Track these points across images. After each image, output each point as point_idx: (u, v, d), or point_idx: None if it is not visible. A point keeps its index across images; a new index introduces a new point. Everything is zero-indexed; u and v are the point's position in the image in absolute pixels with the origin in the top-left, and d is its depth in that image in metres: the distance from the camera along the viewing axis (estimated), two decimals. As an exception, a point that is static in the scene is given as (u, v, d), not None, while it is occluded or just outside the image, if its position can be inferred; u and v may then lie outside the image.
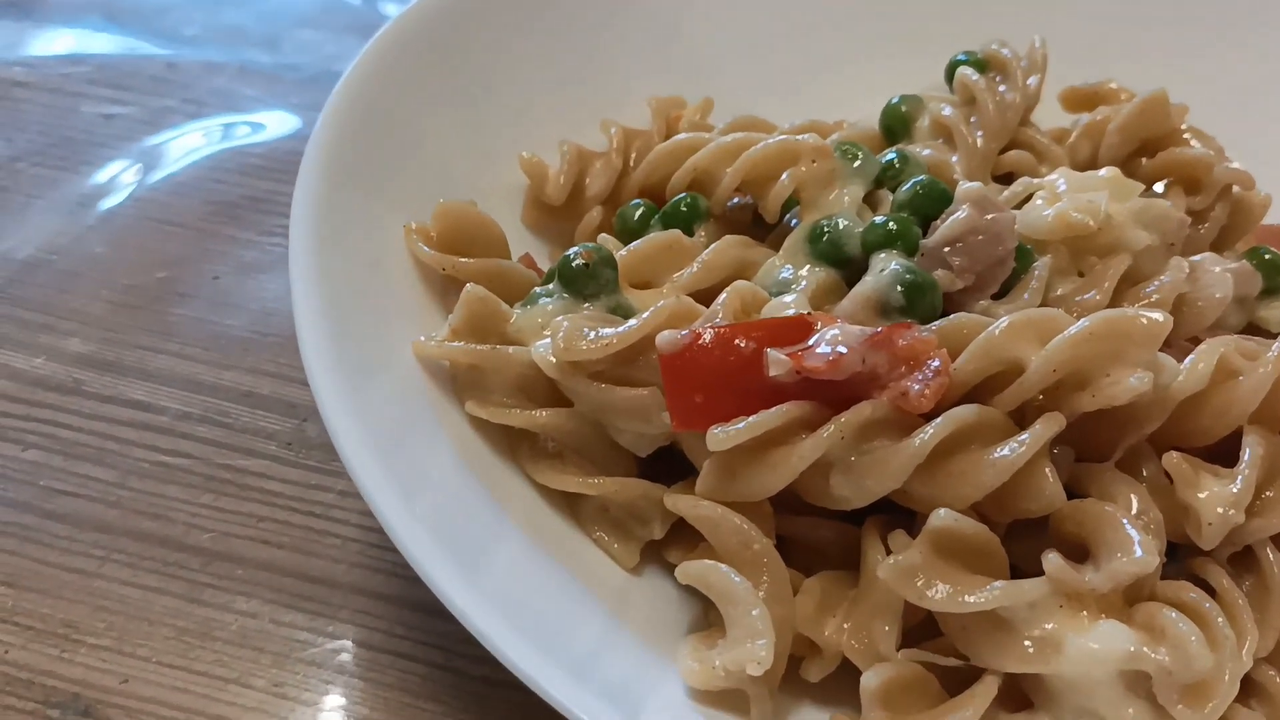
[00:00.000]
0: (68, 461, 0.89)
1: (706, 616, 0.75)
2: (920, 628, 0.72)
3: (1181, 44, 1.13)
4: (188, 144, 1.14)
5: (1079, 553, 0.69)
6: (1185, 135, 0.98)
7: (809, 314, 0.75)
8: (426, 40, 0.94)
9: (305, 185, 0.81)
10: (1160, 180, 0.96)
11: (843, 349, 0.70)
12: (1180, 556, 0.74)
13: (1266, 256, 0.90)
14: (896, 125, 0.98)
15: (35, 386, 0.94)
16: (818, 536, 0.76)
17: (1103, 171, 0.88)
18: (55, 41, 1.25)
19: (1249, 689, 0.71)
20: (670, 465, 0.78)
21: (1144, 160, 0.98)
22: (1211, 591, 0.71)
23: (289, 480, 0.88)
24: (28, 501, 0.86)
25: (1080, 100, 1.04)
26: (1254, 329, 0.89)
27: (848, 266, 0.83)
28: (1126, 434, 0.73)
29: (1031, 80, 1.01)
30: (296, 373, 0.92)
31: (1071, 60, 1.06)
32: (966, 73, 0.98)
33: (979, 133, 0.96)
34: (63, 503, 0.86)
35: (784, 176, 0.86)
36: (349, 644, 0.80)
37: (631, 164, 0.98)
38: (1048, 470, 0.69)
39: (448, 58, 0.95)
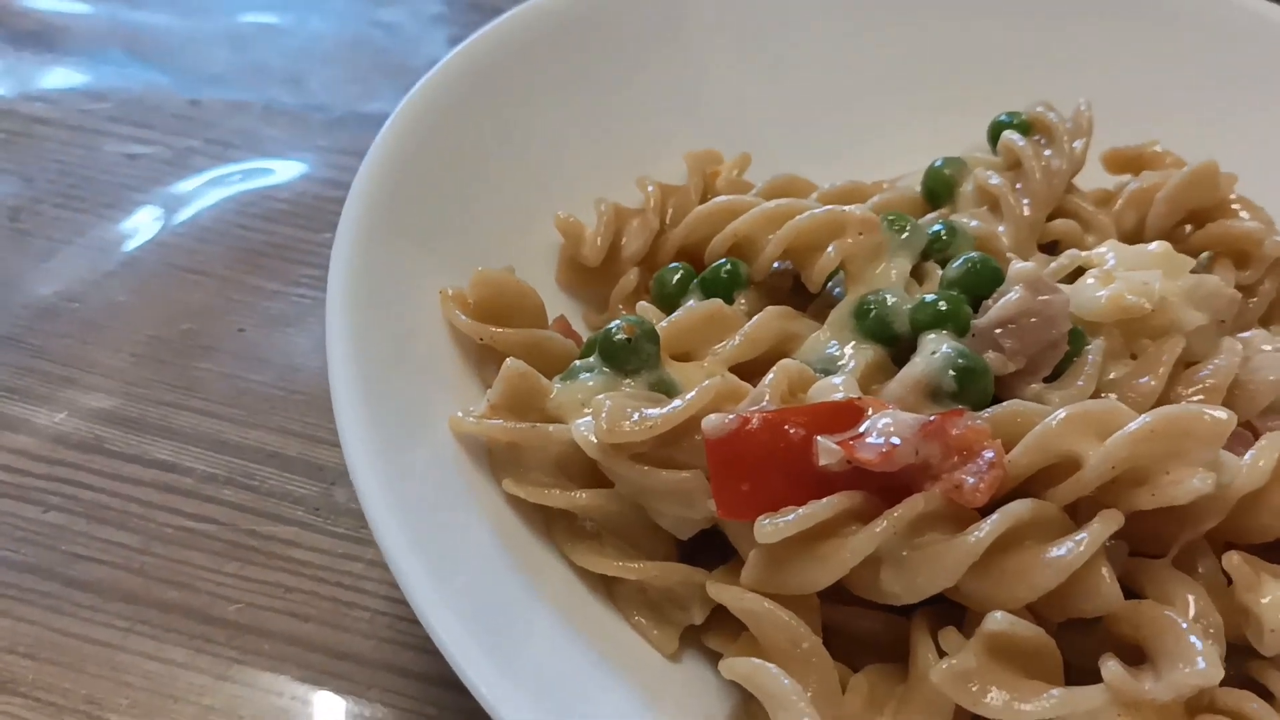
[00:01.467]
0: (90, 525, 0.87)
1: (747, 707, 0.73)
2: (969, 727, 0.70)
3: (1225, 107, 1.10)
4: (212, 187, 1.12)
5: (1134, 653, 0.67)
6: (1234, 206, 0.96)
7: (859, 399, 0.73)
8: (462, 95, 0.93)
9: (344, 242, 0.79)
10: (1204, 251, 0.94)
11: (896, 440, 0.69)
12: (1235, 657, 0.72)
13: (1318, 334, 0.88)
14: (940, 190, 0.96)
15: (56, 444, 0.92)
16: (864, 627, 0.74)
17: (1153, 246, 0.86)
18: (76, 76, 1.22)
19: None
20: (712, 547, 0.76)
21: (1188, 228, 0.96)
22: (1270, 697, 0.69)
23: (317, 548, 0.87)
24: (50, 568, 0.84)
25: (1124, 163, 1.02)
26: (1307, 411, 0.87)
27: (895, 344, 0.81)
28: (1183, 530, 0.71)
29: (1077, 144, 0.99)
30: (324, 433, 0.91)
31: (1112, 120, 1.04)
32: (1012, 137, 0.96)
33: (1025, 200, 0.94)
34: (85, 569, 0.84)
35: (830, 249, 0.84)
36: (379, 724, 0.78)
37: (668, 221, 0.96)
38: (1105, 570, 0.67)
39: (480, 115, 0.94)
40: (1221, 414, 0.68)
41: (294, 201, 1.11)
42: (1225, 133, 1.05)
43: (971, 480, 0.68)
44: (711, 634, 0.76)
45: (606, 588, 0.76)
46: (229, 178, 1.13)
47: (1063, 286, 0.81)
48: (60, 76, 1.23)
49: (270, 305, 1.02)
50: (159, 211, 1.09)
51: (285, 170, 1.15)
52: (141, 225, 1.08)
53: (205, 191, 1.12)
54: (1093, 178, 1.03)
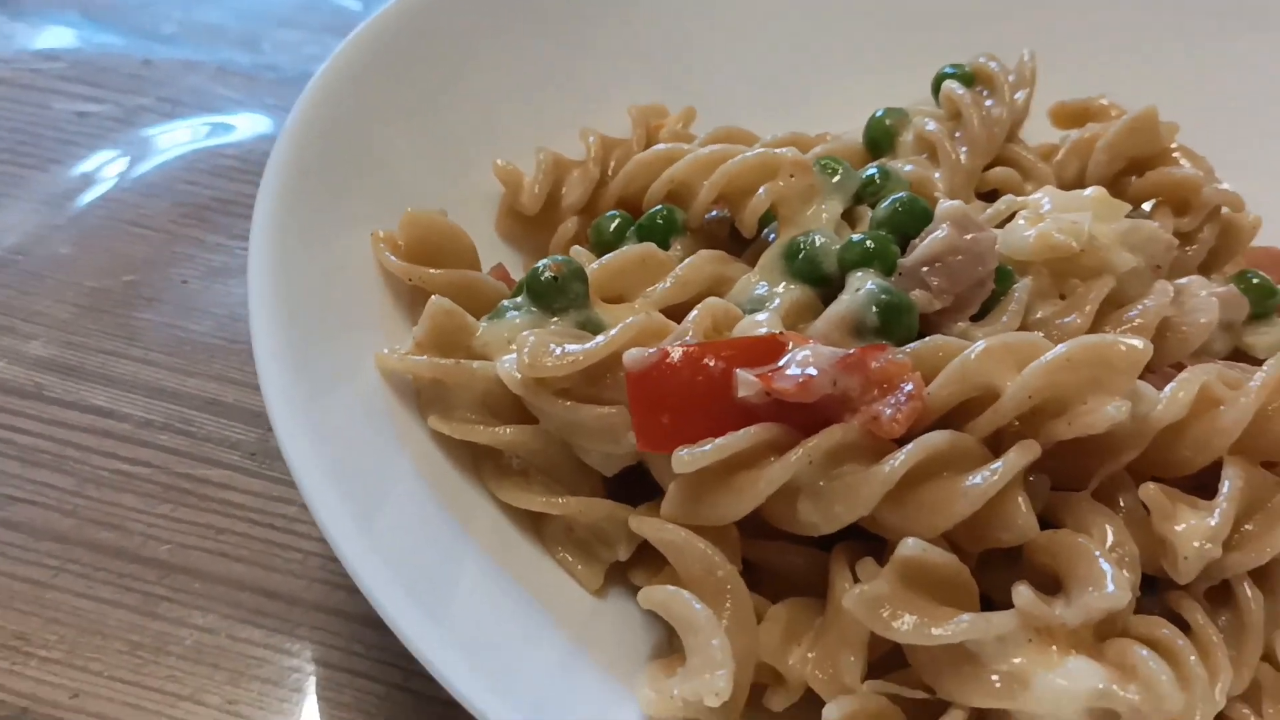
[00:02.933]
0: (24, 468, 0.87)
1: (670, 641, 0.73)
2: (887, 658, 0.70)
3: (1175, 61, 1.11)
4: (161, 144, 1.12)
5: (1053, 585, 0.68)
6: (1175, 154, 0.96)
7: (781, 333, 0.73)
8: (399, 44, 0.93)
9: (268, 190, 0.79)
10: (1148, 200, 0.94)
11: (813, 371, 0.69)
12: (1156, 589, 0.72)
13: (1255, 281, 0.89)
14: (880, 139, 0.96)
15: (-6, 390, 0.92)
16: (786, 563, 0.74)
17: (1088, 191, 0.86)
18: (30, 37, 1.22)
19: (1224, 729, 0.69)
20: (638, 485, 0.76)
21: (1133, 179, 0.96)
22: (1186, 627, 0.69)
23: (251, 491, 0.87)
24: (-20, 509, 0.84)
25: (1070, 116, 1.03)
26: (1240, 355, 0.87)
27: (825, 285, 0.81)
28: (1104, 463, 0.71)
29: (1019, 95, 0.99)
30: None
31: (1066, 76, 1.04)
32: (952, 86, 0.96)
33: (963, 148, 0.94)
34: (18, 510, 0.85)
35: (761, 191, 0.84)
36: (306, 662, 0.79)
37: (610, 174, 0.96)
38: (1021, 500, 0.68)
39: (421, 62, 0.94)
40: (1137, 343, 0.68)
41: (241, 158, 1.11)
42: (1174, 88, 1.05)
43: (889, 411, 0.68)
44: (636, 570, 0.76)
45: (534, 526, 0.77)
46: (178, 135, 1.13)
47: (992, 230, 0.81)
48: (15, 38, 1.23)
49: (213, 258, 1.03)
50: (107, 167, 1.09)
51: (234, 128, 1.16)
52: (89, 181, 1.08)
53: (154, 148, 1.12)
54: (1043, 133, 1.03)
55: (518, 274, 0.89)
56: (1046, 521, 0.70)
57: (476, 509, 0.76)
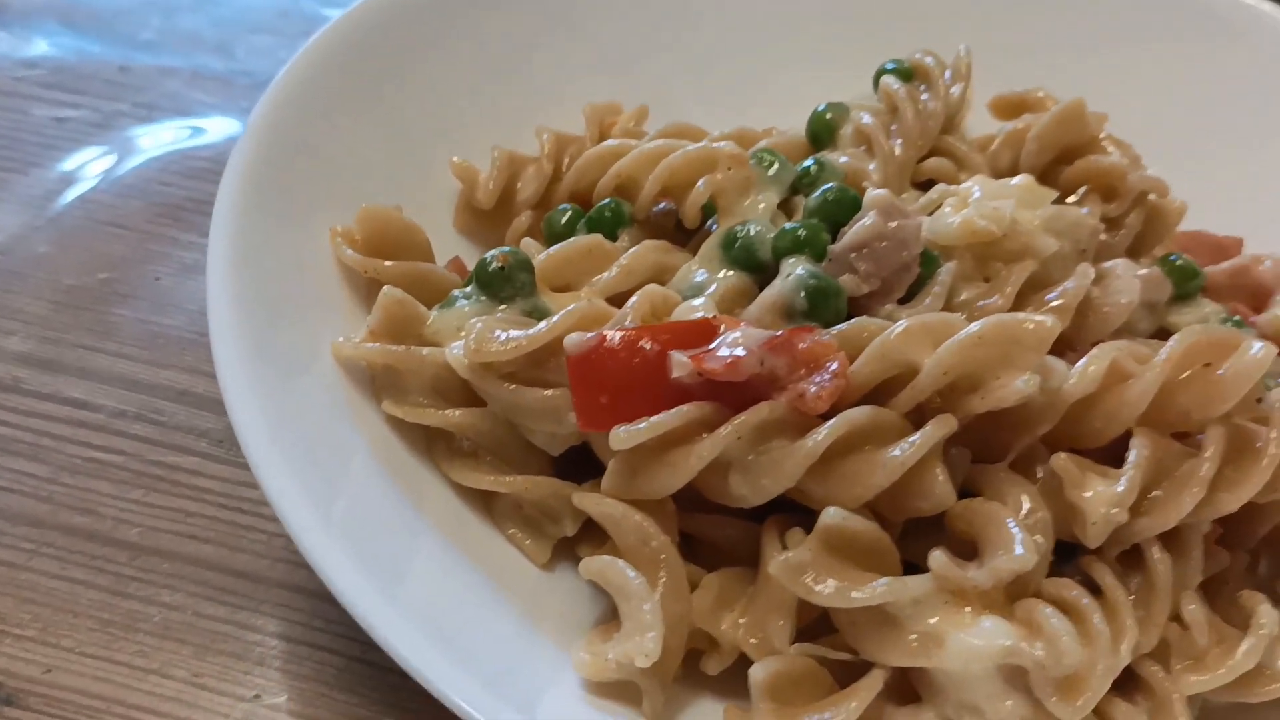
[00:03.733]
0: (2, 457, 0.90)
1: (613, 613, 0.77)
2: (817, 624, 0.74)
3: (1112, 56, 1.14)
4: (137, 147, 1.16)
5: (972, 552, 0.71)
6: (1104, 143, 1.00)
7: (714, 317, 0.77)
8: (358, 47, 0.96)
9: (229, 187, 0.83)
10: (1079, 188, 0.97)
11: (742, 351, 0.72)
12: (1075, 555, 0.76)
13: (1177, 262, 0.92)
14: (821, 132, 0.99)
15: (-29, 384, 0.96)
16: (722, 535, 0.78)
17: (1016, 180, 0.90)
18: (10, 45, 1.26)
19: (1134, 684, 0.73)
20: (585, 464, 0.80)
21: (1064, 169, 0.99)
22: (1099, 591, 0.72)
23: (218, 477, 0.90)
24: (-43, 497, 0.88)
25: (1008, 108, 1.06)
26: (1165, 335, 0.89)
27: (760, 271, 0.85)
28: (1019, 436, 0.75)
29: (955, 89, 1.03)
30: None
31: (1011, 70, 1.08)
32: (889, 81, 1.00)
33: (898, 141, 0.98)
34: (-6, 497, 0.88)
35: (700, 183, 0.88)
36: (269, 636, 0.82)
37: (564, 169, 0.99)
38: (938, 470, 0.71)
39: (380, 63, 0.97)
40: (1046, 319, 0.72)
41: (215, 160, 1.14)
42: (1113, 80, 1.08)
43: (814, 389, 0.72)
44: (583, 545, 0.80)
45: (484, 504, 0.81)
46: (154, 138, 1.17)
47: (918, 217, 0.85)
48: (-4, 46, 1.26)
49: (186, 255, 1.06)
50: (85, 170, 1.13)
51: (209, 131, 1.19)
52: (67, 182, 1.11)
53: (130, 151, 1.15)
54: (988, 125, 1.07)
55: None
56: (967, 492, 0.74)
57: (430, 489, 0.79)
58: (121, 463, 0.91)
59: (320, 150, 0.90)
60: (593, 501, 0.75)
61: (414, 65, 0.99)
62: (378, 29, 0.98)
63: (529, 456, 0.80)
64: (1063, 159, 1.00)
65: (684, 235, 0.93)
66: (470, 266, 0.92)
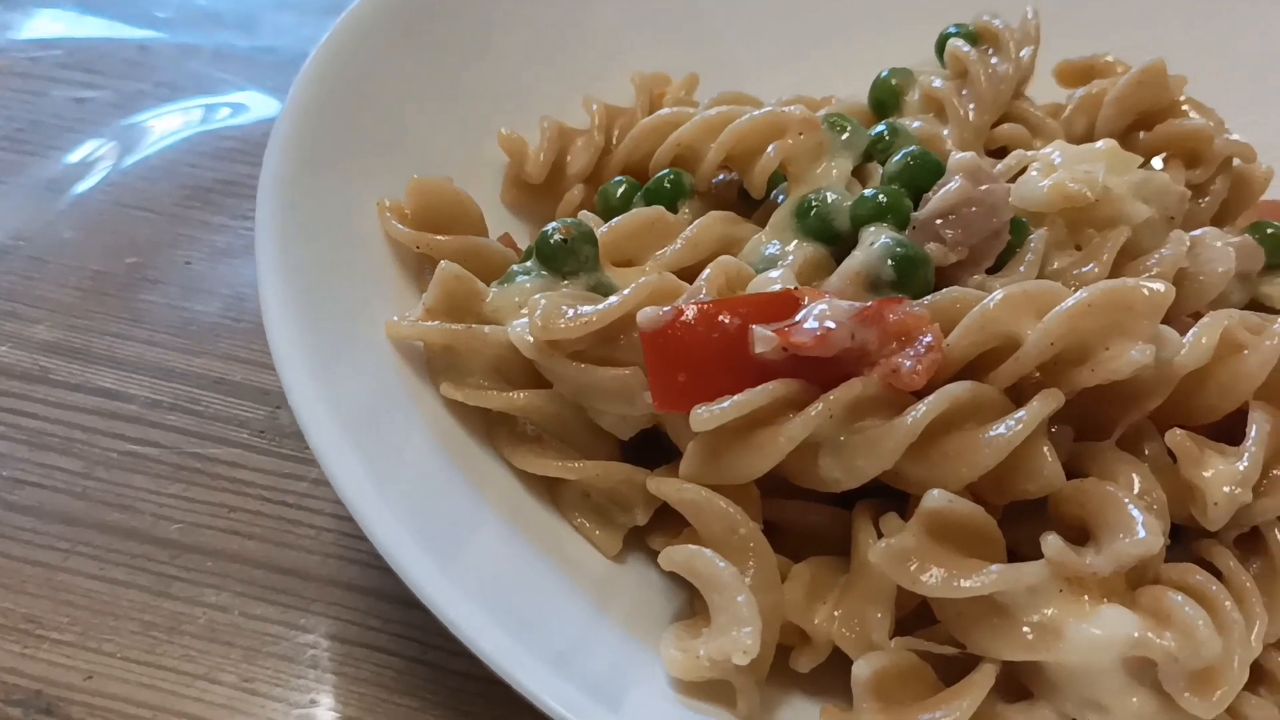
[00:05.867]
0: (33, 452, 0.86)
1: (692, 605, 0.73)
2: (915, 615, 0.70)
3: (1180, 14, 1.10)
4: (160, 128, 1.11)
5: (1080, 535, 0.67)
6: (1184, 107, 0.95)
7: (796, 289, 0.72)
8: (401, 13, 0.92)
9: (272, 163, 0.78)
10: (1159, 154, 0.93)
11: (831, 324, 0.68)
12: (1185, 539, 0.71)
13: (1270, 231, 0.87)
14: (886, 99, 0.95)
15: (0, 375, 0.91)
16: (808, 521, 0.73)
17: (1099, 144, 0.85)
18: (27, 25, 1.21)
19: (1257, 676, 0.68)
20: (654, 448, 0.75)
21: (1141, 134, 0.95)
22: (1218, 574, 0.68)
23: (261, 469, 0.86)
24: (-12, 494, 0.83)
25: (1076, 74, 1.01)
26: (1256, 305, 0.86)
27: (837, 242, 0.80)
28: (1128, 411, 0.70)
29: (1024, 52, 0.98)
30: (270, 359, 0.88)
31: (1070, 34, 1.03)
32: (957, 44, 0.95)
33: (971, 105, 0.93)
34: (27, 494, 0.83)
35: (770, 149, 0.84)
36: (322, 638, 0.77)
37: (614, 142, 0.95)
38: (1046, 449, 0.67)
39: (423, 31, 0.93)
40: (1159, 285, 0.67)
41: (243, 139, 1.10)
42: (1181, 41, 1.04)
43: (909, 363, 0.67)
44: (655, 535, 0.75)
45: (550, 492, 0.76)
46: (177, 119, 1.12)
47: (1005, 182, 0.80)
48: (10, 27, 1.21)
49: (217, 239, 1.02)
50: (108, 152, 1.08)
51: (234, 111, 1.15)
52: (90, 167, 1.07)
53: (154, 133, 1.11)
54: (1048, 93, 1.02)
55: (524, 243, 0.89)
56: (1071, 472, 0.69)
57: (492, 476, 0.75)
58: (158, 455, 0.86)
59: (362, 123, 0.85)
60: (672, 488, 0.70)
61: (454, 35, 0.95)
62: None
63: (596, 440, 0.76)
64: (1139, 125, 0.95)
65: (747, 206, 0.88)
66: (520, 242, 0.88)
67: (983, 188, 0.78)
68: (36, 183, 1.05)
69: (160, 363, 0.92)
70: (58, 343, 0.93)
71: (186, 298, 0.97)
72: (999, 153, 0.93)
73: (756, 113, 0.85)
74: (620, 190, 0.88)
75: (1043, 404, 0.66)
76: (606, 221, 0.85)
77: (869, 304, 0.69)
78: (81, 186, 1.05)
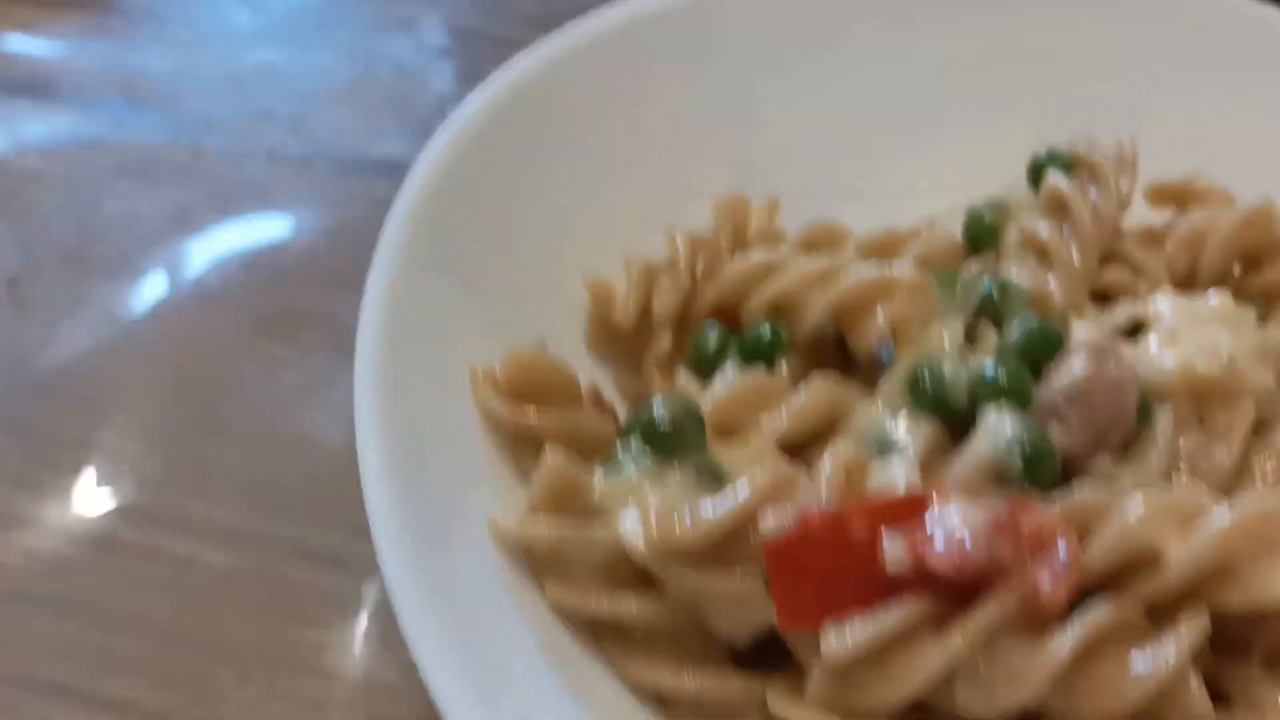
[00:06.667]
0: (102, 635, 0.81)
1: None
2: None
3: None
4: (218, 247, 1.06)
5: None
6: (1291, 248, 0.91)
7: (923, 492, 0.69)
8: (479, 152, 0.88)
9: (371, 316, 0.75)
10: (1270, 298, 0.89)
11: (964, 538, 0.64)
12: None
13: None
14: (983, 237, 0.91)
15: (68, 542, 0.86)
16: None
17: (1214, 301, 0.82)
18: (71, 127, 1.16)
19: None
20: (770, 649, 0.71)
21: (1237, 270, 0.91)
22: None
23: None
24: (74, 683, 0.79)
25: (1169, 197, 0.98)
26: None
27: (952, 416, 0.77)
28: (1269, 627, 0.67)
29: (1123, 183, 0.94)
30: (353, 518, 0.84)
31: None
32: (1056, 179, 0.91)
33: (1074, 246, 0.89)
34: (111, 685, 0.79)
35: (880, 315, 0.80)
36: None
37: (698, 275, 0.91)
38: (1194, 681, 0.64)
39: (505, 163, 0.90)
40: (1316, 509, 0.64)
41: (302, 258, 1.05)
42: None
43: (1049, 586, 0.64)
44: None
45: (658, 698, 0.72)
46: (234, 235, 1.08)
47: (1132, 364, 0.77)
48: (55, 128, 1.17)
49: (283, 376, 0.96)
50: (163, 276, 1.03)
51: (292, 223, 1.10)
52: (145, 292, 1.02)
53: (210, 251, 1.06)
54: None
55: (610, 390, 0.86)
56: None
57: (595, 680, 0.71)
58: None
59: (449, 266, 0.82)
60: (801, 715, 0.66)
61: (531, 163, 0.92)
62: (493, 130, 0.90)
63: (708, 645, 0.72)
64: (1241, 262, 0.91)
65: (845, 353, 0.85)
66: (607, 395, 0.84)
67: (1109, 369, 0.74)
68: (91, 312, 0.98)
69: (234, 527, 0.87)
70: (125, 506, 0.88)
71: (257, 448, 0.92)
72: (1100, 295, 0.89)
73: (864, 274, 0.82)
74: (714, 341, 0.85)
75: (1190, 630, 0.63)
76: (698, 371, 0.82)
77: (1001, 511, 0.66)
78: (137, 314, 1.00)
